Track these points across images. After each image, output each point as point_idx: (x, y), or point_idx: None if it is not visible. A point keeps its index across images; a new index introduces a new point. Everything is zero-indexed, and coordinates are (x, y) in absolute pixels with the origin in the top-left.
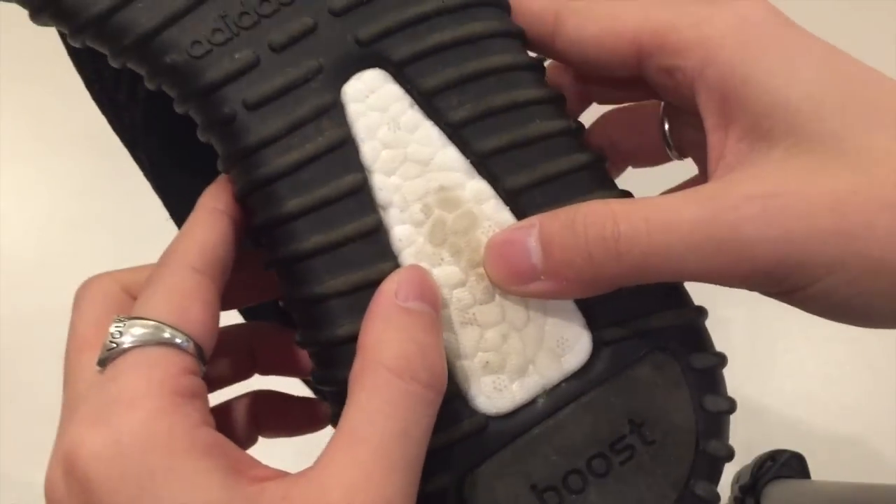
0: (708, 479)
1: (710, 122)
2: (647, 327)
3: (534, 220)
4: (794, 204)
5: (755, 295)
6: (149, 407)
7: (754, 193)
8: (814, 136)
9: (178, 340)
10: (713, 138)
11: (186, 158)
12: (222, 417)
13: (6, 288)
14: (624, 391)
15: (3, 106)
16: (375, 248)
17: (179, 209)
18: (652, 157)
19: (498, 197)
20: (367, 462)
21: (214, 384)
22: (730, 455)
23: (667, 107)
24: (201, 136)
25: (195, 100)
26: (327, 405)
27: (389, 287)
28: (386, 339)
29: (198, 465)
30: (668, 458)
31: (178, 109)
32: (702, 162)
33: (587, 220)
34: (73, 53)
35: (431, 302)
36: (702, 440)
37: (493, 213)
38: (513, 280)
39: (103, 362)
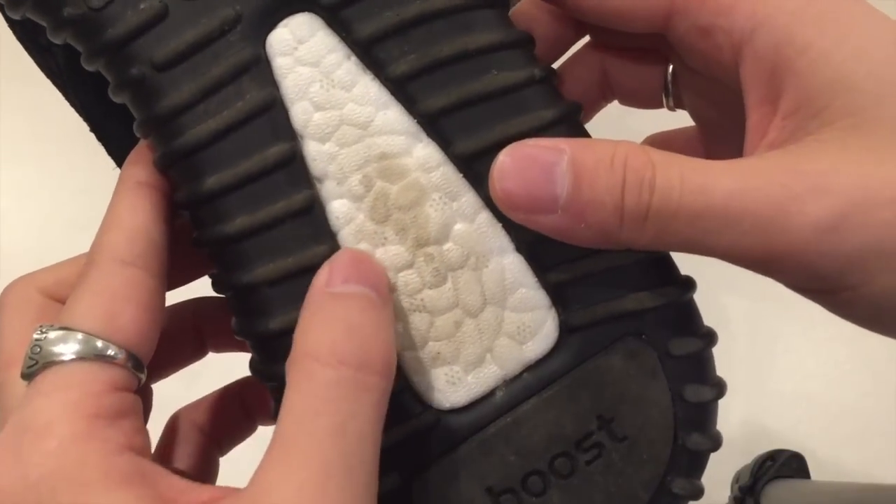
0: (687, 475)
1: (754, 94)
2: (621, 310)
3: (561, 144)
4: (850, 190)
5: (755, 294)
6: (61, 435)
7: (806, 170)
8: (875, 119)
9: (107, 352)
10: (757, 114)
11: (118, 106)
12: (215, 409)
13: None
14: (592, 383)
15: (3, 106)
16: (309, 229)
17: (122, 158)
18: (643, 98)
19: (449, 163)
20: (298, 471)
21: (162, 372)
22: (716, 445)
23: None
24: (114, 98)
25: (100, 58)
26: None
27: (320, 277)
28: (311, 328)
29: (112, 497)
30: (640, 456)
31: (88, 67)
32: (704, 122)
33: (628, 161)
34: None
35: (370, 283)
36: (681, 434)
37: (443, 182)
38: (526, 206)
39: (28, 377)
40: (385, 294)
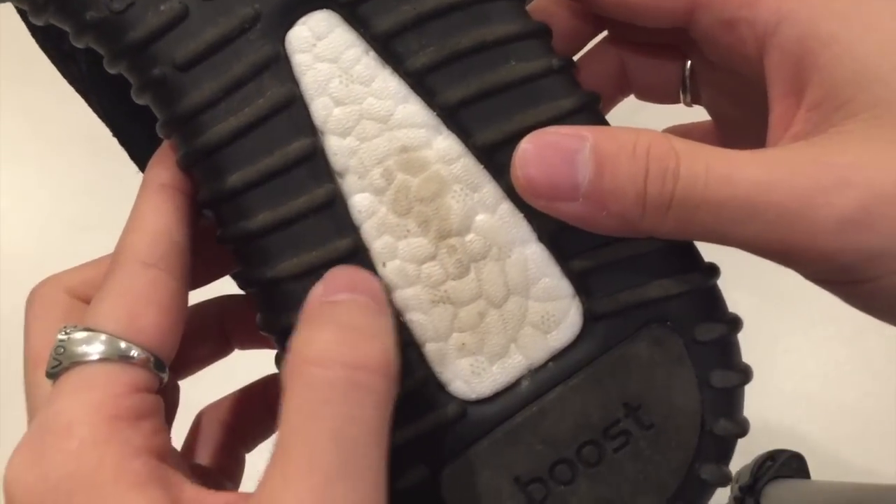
0: (716, 461)
1: (778, 87)
2: (645, 298)
3: (583, 131)
4: (874, 182)
5: (755, 293)
6: (81, 436)
7: (833, 162)
8: None
9: (129, 353)
10: (781, 107)
11: (140, 109)
12: (239, 406)
13: (6, 288)
14: (618, 371)
15: (3, 106)
16: (332, 223)
17: (144, 161)
18: (660, 94)
19: (470, 155)
20: (297, 480)
21: (188, 369)
22: (743, 431)
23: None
24: (137, 99)
25: (123, 60)
26: None
27: (316, 290)
28: (306, 332)
29: (124, 499)
30: (668, 443)
31: (110, 70)
32: (721, 118)
33: (651, 150)
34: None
35: (366, 292)
36: (708, 420)
37: (464, 174)
38: (548, 193)
39: (52, 376)
40: (381, 302)
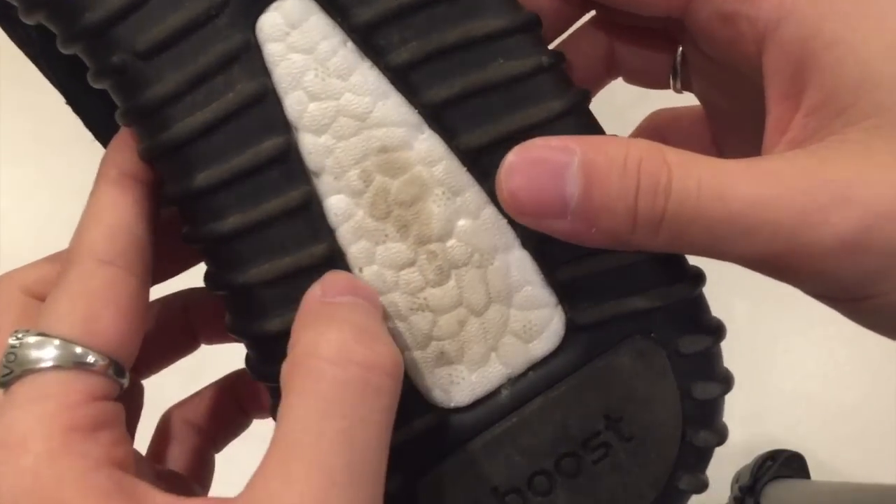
0: (693, 471)
1: (776, 89)
2: (629, 309)
3: (572, 144)
4: (875, 200)
5: (755, 294)
6: (36, 451)
7: (830, 178)
8: None
9: (86, 359)
10: (778, 109)
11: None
12: (208, 405)
13: None
14: (599, 382)
15: (4, 107)
16: (306, 227)
17: (101, 131)
18: (649, 79)
19: (453, 157)
20: (300, 481)
21: (153, 367)
22: (722, 439)
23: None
24: (94, 84)
25: (78, 43)
26: None
27: (313, 290)
28: (314, 330)
29: None
30: (647, 455)
31: (64, 51)
32: (712, 108)
33: (643, 164)
34: None
35: (365, 297)
36: (689, 432)
37: (446, 177)
38: (535, 211)
39: (3, 385)
40: (381, 310)
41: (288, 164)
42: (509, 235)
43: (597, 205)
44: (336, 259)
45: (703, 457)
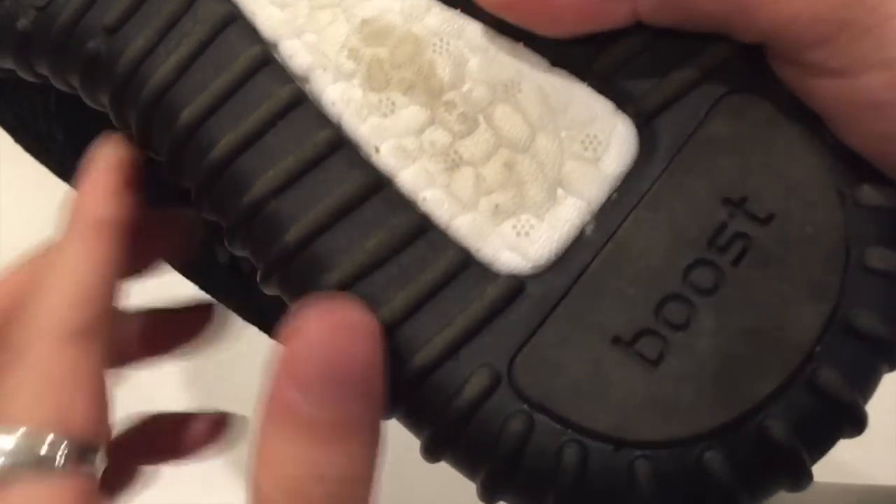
0: (877, 243)
1: None
2: (697, 73)
3: None
4: None
5: None
6: None
7: None
8: None
9: (56, 458)
10: None
11: (60, 117)
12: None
13: None
14: (699, 166)
15: None
16: (303, 121)
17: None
18: None
19: (437, 2)
20: None
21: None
22: None
23: None
24: (85, 95)
25: (51, 54)
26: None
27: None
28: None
29: None
30: (801, 230)
31: (55, 81)
32: None
33: None
34: None
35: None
36: (844, 187)
37: (440, 24)
38: None
39: None
40: (377, 357)
41: (271, 68)
42: (530, 57)
43: None
44: (344, 146)
45: (887, 219)
